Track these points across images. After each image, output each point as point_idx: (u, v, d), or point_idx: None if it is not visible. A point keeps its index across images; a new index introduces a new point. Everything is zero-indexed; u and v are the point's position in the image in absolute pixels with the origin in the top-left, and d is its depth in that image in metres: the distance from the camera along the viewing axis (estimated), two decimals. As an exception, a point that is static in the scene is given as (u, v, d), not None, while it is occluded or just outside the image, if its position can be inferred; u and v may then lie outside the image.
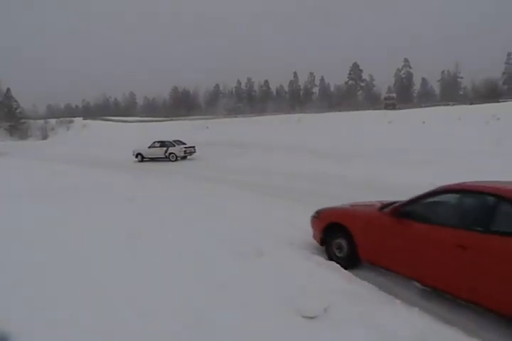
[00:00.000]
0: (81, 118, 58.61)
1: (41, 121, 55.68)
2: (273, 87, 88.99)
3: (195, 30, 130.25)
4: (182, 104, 77.90)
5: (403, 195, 4.16)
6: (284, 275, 3.62)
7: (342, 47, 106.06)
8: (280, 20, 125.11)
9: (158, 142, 20.94)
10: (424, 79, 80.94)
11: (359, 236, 4.24)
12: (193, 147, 21.03)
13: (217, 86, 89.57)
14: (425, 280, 3.57)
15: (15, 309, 2.67)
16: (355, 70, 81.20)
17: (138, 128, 43.11)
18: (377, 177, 10.45)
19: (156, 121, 50.78)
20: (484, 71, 78.45)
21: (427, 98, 68.41)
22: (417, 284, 3.65)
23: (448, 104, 34.99)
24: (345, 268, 4.13)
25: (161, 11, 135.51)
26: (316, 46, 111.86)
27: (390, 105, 40.51)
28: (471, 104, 32.19)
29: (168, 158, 20.25)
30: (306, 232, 5.18)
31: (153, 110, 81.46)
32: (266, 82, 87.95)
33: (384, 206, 4.18)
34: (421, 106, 35.96)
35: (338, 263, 4.27)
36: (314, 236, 4.95)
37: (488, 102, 29.56)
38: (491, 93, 45.26)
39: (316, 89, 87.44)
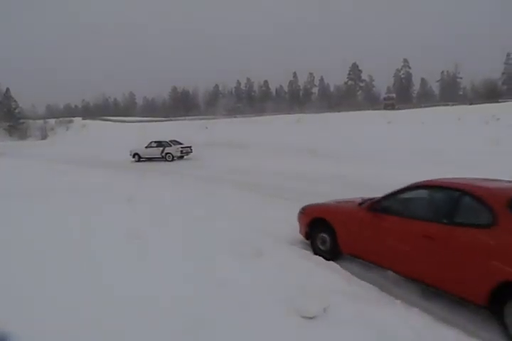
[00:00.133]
0: (80, 119, 58.60)
1: (40, 121, 55.64)
2: (272, 87, 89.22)
3: (194, 30, 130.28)
4: (181, 105, 77.90)
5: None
6: (283, 276, 3.62)
7: (341, 47, 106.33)
8: (280, 20, 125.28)
9: (155, 142, 21.15)
10: (423, 80, 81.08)
11: (340, 230, 4.50)
12: (190, 147, 21.20)
13: (216, 86, 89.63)
14: (398, 269, 3.82)
15: (14, 309, 2.66)
16: (355, 70, 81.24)
17: (137, 128, 43.05)
18: (377, 177, 10.44)
19: (155, 121, 50.78)
20: (484, 71, 78.77)
21: (426, 98, 68.47)
22: (391, 273, 3.89)
23: (447, 105, 35.02)
24: (329, 260, 4.37)
25: (160, 11, 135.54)
26: (316, 46, 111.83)
27: (390, 105, 40.57)
28: (471, 104, 32.26)
29: (164, 157, 20.45)
30: (306, 232, 5.17)
31: (153, 110, 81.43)
32: (265, 82, 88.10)
33: (363, 201, 4.43)
34: (420, 107, 36.02)
35: (322, 255, 4.53)
36: (300, 231, 5.20)
37: (488, 102, 29.60)
38: (490, 93, 45.27)
39: (315, 90, 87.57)
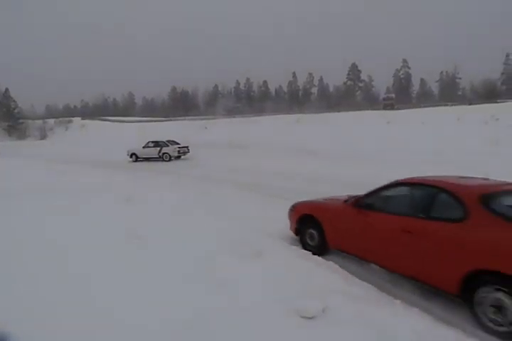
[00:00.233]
0: (79, 119, 58.50)
1: (39, 121, 55.50)
2: (272, 88, 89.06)
3: (194, 31, 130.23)
4: (181, 105, 77.77)
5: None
6: (283, 276, 3.62)
7: (341, 47, 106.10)
8: (279, 20, 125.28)
9: (152, 142, 21.29)
10: (422, 80, 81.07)
11: (327, 226, 4.71)
12: (187, 147, 21.34)
13: (216, 86, 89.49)
14: (380, 262, 4.02)
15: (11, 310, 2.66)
16: (354, 71, 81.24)
17: (137, 128, 43.01)
18: (377, 177, 10.37)
19: (154, 121, 50.73)
20: (483, 72, 78.83)
21: (425, 98, 68.42)
22: (375, 266, 4.07)
23: (447, 105, 35.03)
24: (317, 255, 4.54)
25: (160, 11, 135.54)
26: (315, 46, 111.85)
27: (389, 105, 40.54)
28: (470, 104, 32.27)
29: (161, 157, 20.57)
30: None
31: (152, 110, 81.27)
32: (265, 82, 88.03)
33: (348, 199, 4.61)
34: (420, 107, 36.02)
35: (310, 251, 4.70)
36: (290, 227, 5.39)
37: (487, 103, 29.61)
38: (489, 93, 45.30)
39: (314, 90, 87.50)
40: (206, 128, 37.16)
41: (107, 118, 57.41)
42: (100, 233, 4.62)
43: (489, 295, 2.95)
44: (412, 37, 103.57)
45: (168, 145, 20.71)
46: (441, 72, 78.30)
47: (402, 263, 3.75)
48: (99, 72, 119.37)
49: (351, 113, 34.26)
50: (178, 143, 21.37)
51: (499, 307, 2.90)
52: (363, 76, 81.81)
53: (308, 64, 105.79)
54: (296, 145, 21.14)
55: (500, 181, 3.92)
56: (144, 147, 21.33)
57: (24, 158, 20.08)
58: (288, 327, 2.70)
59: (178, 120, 48.63)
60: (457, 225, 3.28)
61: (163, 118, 53.25)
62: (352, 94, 76.13)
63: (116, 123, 51.85)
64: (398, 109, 36.66)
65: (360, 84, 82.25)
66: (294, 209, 5.39)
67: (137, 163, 20.57)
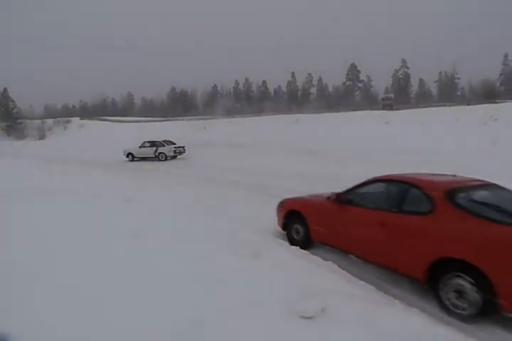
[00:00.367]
0: (78, 119, 58.41)
1: (38, 121, 55.39)
2: (271, 88, 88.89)
3: (193, 31, 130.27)
4: (180, 105, 77.69)
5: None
6: (282, 276, 3.62)
7: (340, 47, 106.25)
8: (279, 20, 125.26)
9: (148, 142, 21.54)
10: (421, 80, 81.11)
11: (311, 221, 4.98)
12: (183, 147, 21.58)
13: (215, 86, 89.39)
14: (359, 253, 4.32)
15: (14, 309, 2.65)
16: (353, 71, 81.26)
17: (136, 128, 42.99)
18: (376, 178, 10.44)
19: (153, 121, 50.66)
20: (482, 72, 78.94)
21: (424, 99, 68.48)
22: (354, 257, 4.36)
23: (445, 105, 35.06)
24: (303, 249, 4.79)
25: (160, 11, 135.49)
26: (314, 46, 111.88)
27: (388, 106, 40.49)
28: (469, 104, 32.27)
29: (157, 157, 20.77)
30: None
31: (151, 110, 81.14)
32: (264, 82, 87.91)
33: (331, 195, 4.80)
34: (419, 107, 36.02)
35: (296, 245, 4.94)
36: (278, 223, 5.62)
37: (486, 103, 29.63)
38: (488, 94, 45.28)
39: (313, 90, 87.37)
40: (205, 128, 37.15)
41: (105, 118, 57.27)
42: (99, 233, 4.61)
43: (452, 281, 3.23)
44: (411, 37, 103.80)
45: (164, 145, 20.96)
46: (440, 73, 78.42)
47: (378, 255, 4.01)
48: (99, 72, 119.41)
49: (350, 113, 34.27)
50: (174, 143, 21.64)
51: (460, 292, 3.17)
52: (362, 76, 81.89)
53: (307, 64, 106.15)
54: (296, 145, 21.16)
55: (468, 178, 4.27)
56: (140, 147, 21.57)
57: (27, 159, 20.04)
58: (287, 327, 2.70)
59: (176, 120, 48.59)
60: (425, 218, 3.58)
61: (162, 119, 53.18)
62: (351, 94, 76.18)
63: (115, 123, 51.76)
64: (397, 109, 36.61)
65: (359, 85, 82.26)
66: (282, 205, 5.62)
67: (134, 163, 20.65)
